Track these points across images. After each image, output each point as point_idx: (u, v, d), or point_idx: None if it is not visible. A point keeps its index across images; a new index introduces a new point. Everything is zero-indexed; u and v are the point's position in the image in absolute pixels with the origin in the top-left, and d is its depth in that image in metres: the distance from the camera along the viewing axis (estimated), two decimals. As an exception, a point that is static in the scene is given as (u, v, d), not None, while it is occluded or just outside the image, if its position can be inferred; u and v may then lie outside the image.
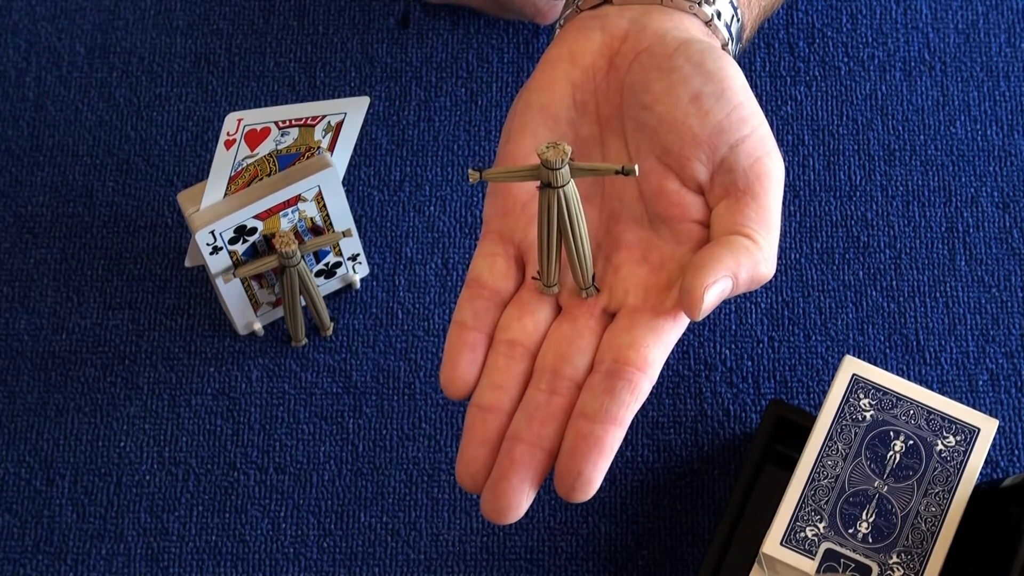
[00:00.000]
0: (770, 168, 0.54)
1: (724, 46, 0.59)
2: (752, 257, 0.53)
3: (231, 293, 0.73)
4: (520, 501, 0.51)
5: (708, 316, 0.76)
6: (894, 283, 0.77)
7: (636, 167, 0.51)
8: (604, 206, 0.57)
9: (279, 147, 0.67)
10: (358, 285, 0.77)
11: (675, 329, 0.54)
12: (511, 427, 0.52)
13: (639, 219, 0.56)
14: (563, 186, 0.51)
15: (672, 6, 0.58)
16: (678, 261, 0.55)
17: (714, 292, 0.52)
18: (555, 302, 0.56)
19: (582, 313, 0.55)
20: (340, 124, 0.68)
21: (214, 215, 0.68)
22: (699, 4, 0.58)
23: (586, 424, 0.51)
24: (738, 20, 0.60)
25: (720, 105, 0.54)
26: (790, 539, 0.62)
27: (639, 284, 0.55)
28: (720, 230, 0.54)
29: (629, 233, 0.56)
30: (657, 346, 0.53)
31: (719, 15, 0.58)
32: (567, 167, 0.51)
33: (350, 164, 0.79)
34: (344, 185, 0.74)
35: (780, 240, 0.78)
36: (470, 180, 0.52)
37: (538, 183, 0.52)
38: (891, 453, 0.63)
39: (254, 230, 0.70)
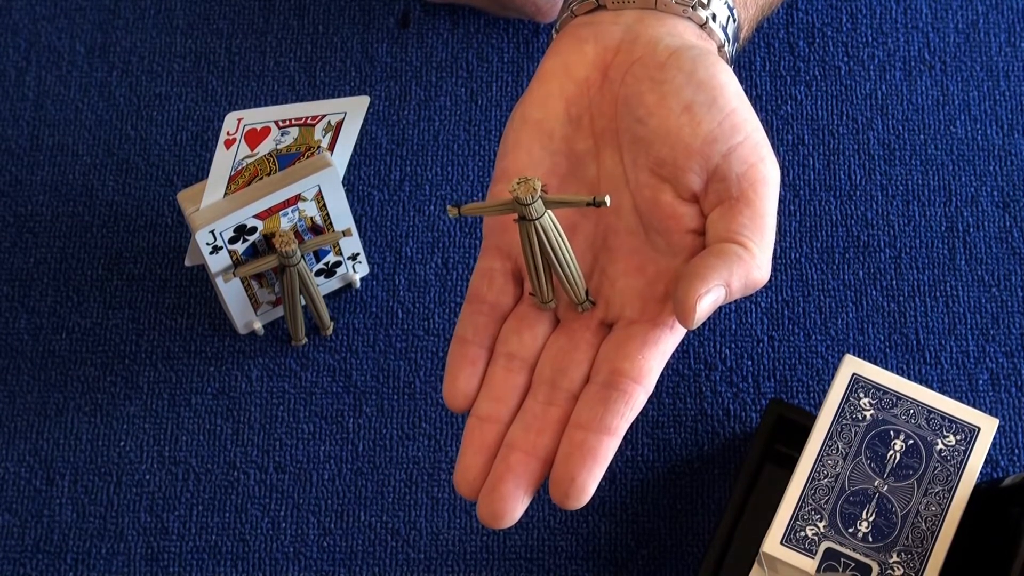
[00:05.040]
0: (764, 174, 0.54)
1: (721, 48, 0.58)
2: (745, 265, 0.53)
3: (231, 292, 0.73)
4: (514, 507, 0.52)
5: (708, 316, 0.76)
6: (894, 282, 0.77)
7: (607, 198, 0.51)
8: (600, 219, 0.57)
9: (279, 146, 0.67)
10: (358, 284, 0.77)
11: (671, 339, 0.54)
12: (508, 436, 0.53)
13: (635, 231, 0.56)
14: (538, 219, 0.52)
15: (666, 11, 0.57)
16: (674, 272, 0.55)
17: (707, 301, 0.52)
18: (553, 315, 0.56)
19: (579, 326, 0.55)
20: (340, 123, 0.68)
21: (214, 214, 0.68)
22: (693, 8, 0.57)
23: (580, 433, 0.52)
24: (734, 20, 0.59)
25: (712, 114, 0.54)
26: (790, 538, 0.62)
27: (635, 296, 0.55)
28: (714, 238, 0.54)
29: (625, 246, 0.56)
30: (653, 357, 0.53)
31: (714, 17, 0.58)
32: (540, 201, 0.52)
33: (350, 163, 0.79)
34: (344, 184, 0.74)
35: (780, 240, 0.79)
36: (449, 215, 0.53)
37: (515, 216, 0.52)
38: (891, 452, 0.63)
39: (254, 229, 0.70)
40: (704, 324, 0.76)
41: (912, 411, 0.64)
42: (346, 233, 0.73)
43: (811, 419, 0.66)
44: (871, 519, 0.62)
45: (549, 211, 0.53)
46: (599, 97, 0.57)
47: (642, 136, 0.55)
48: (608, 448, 0.52)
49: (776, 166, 0.55)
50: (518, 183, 0.52)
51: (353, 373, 0.76)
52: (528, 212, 0.52)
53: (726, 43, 0.59)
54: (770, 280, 0.77)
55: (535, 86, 0.58)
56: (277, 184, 0.69)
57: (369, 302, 0.77)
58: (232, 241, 0.69)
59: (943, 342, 0.76)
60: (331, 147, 0.70)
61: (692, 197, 0.55)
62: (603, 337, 0.55)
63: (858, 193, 0.80)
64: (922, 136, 0.81)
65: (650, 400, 0.75)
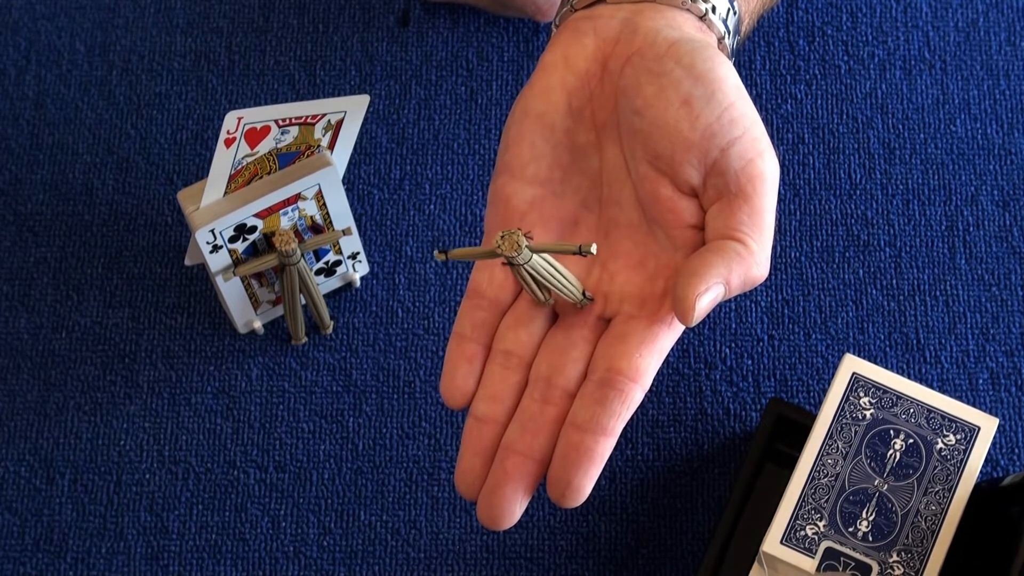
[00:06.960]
0: (762, 169, 0.54)
1: (720, 40, 0.58)
2: (744, 262, 0.53)
3: (231, 291, 0.73)
4: (513, 510, 0.52)
5: (708, 314, 0.76)
6: (894, 281, 0.77)
7: (594, 246, 0.51)
8: (603, 212, 0.57)
9: (279, 145, 0.67)
10: (358, 283, 0.77)
11: (669, 336, 0.54)
12: (505, 437, 0.53)
13: (636, 224, 0.56)
14: (526, 263, 0.52)
15: (665, 3, 0.57)
16: (674, 268, 0.55)
17: (706, 299, 0.52)
18: (551, 310, 0.56)
19: (577, 321, 0.55)
20: (340, 122, 0.68)
21: (214, 213, 0.68)
22: (692, 0, 0.57)
23: (577, 434, 0.52)
24: (735, 13, 0.59)
25: (710, 108, 0.54)
26: (790, 537, 0.62)
27: (634, 292, 0.55)
28: (712, 234, 0.54)
29: (626, 240, 0.56)
30: (651, 355, 0.53)
31: (714, 9, 0.58)
32: (525, 250, 0.52)
33: (350, 162, 0.79)
34: (344, 183, 0.73)
35: (780, 239, 0.79)
36: (436, 259, 0.52)
37: (503, 261, 0.53)
38: (891, 452, 0.63)
39: (254, 228, 0.70)
40: (704, 323, 0.76)
41: (912, 410, 0.64)
42: (346, 232, 0.73)
43: (811, 418, 0.66)
44: (871, 518, 0.62)
45: (536, 254, 0.53)
46: (600, 89, 0.57)
47: (639, 128, 0.55)
48: (604, 448, 0.52)
49: (775, 161, 0.54)
50: (501, 238, 0.51)
51: (353, 372, 0.76)
52: (515, 260, 0.52)
53: (726, 36, 0.58)
54: (770, 279, 0.78)
55: (536, 79, 0.58)
56: (277, 183, 0.68)
57: (369, 301, 0.77)
58: (232, 240, 0.69)
59: (943, 341, 0.76)
60: (331, 146, 0.70)
61: (691, 191, 0.55)
62: (600, 332, 0.55)
63: (858, 192, 0.80)
64: (922, 135, 0.81)
65: (650, 399, 0.75)
